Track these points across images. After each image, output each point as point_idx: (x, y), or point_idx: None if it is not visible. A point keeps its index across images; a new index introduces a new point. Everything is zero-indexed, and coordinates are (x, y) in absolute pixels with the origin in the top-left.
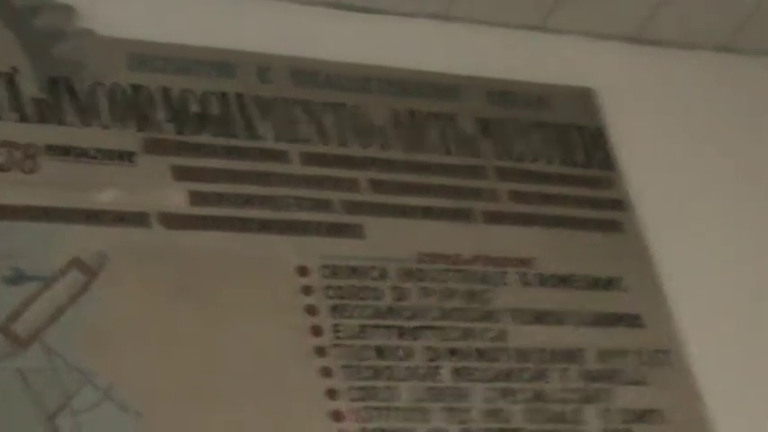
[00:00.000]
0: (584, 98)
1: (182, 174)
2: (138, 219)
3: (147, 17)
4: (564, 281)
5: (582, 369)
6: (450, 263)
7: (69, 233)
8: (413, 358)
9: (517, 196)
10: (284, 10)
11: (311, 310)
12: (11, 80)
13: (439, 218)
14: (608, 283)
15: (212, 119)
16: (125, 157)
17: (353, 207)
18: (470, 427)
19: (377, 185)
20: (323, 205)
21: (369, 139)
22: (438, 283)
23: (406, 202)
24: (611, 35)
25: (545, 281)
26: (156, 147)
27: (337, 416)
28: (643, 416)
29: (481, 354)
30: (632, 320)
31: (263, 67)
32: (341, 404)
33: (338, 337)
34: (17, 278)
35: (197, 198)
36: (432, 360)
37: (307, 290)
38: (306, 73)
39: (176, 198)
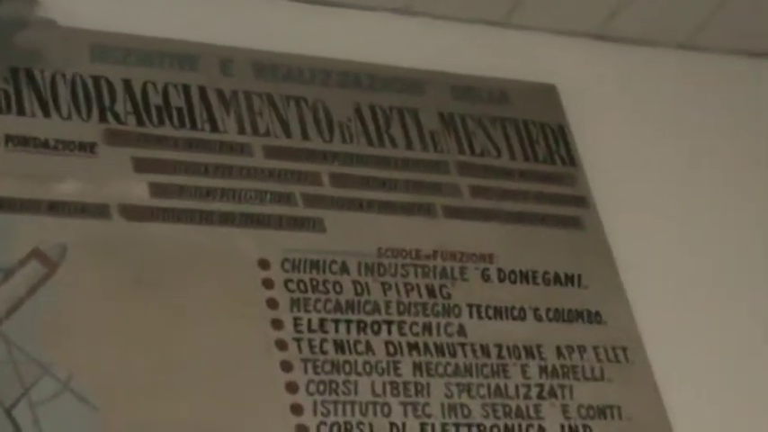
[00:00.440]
0: (546, 94)
1: (143, 165)
2: (98, 210)
3: (109, 8)
4: (524, 276)
5: (541, 365)
6: (411, 257)
7: (29, 224)
8: (372, 353)
9: (479, 191)
10: (247, 3)
11: (272, 304)
12: None
13: (400, 212)
14: (568, 280)
15: (174, 111)
16: (86, 148)
17: (315, 201)
18: (430, 421)
19: (338, 179)
20: (284, 198)
21: (330, 133)
22: (398, 277)
23: (367, 196)
24: (573, 32)
25: (505, 276)
26: (117, 138)
27: (297, 409)
28: (602, 412)
29: (441, 349)
30: (592, 317)
31: (226, 59)
32: (300, 398)
33: (298, 331)
34: None
35: (158, 190)
36: (391, 354)
37: (268, 283)
38: (268, 66)
39: (137, 190)
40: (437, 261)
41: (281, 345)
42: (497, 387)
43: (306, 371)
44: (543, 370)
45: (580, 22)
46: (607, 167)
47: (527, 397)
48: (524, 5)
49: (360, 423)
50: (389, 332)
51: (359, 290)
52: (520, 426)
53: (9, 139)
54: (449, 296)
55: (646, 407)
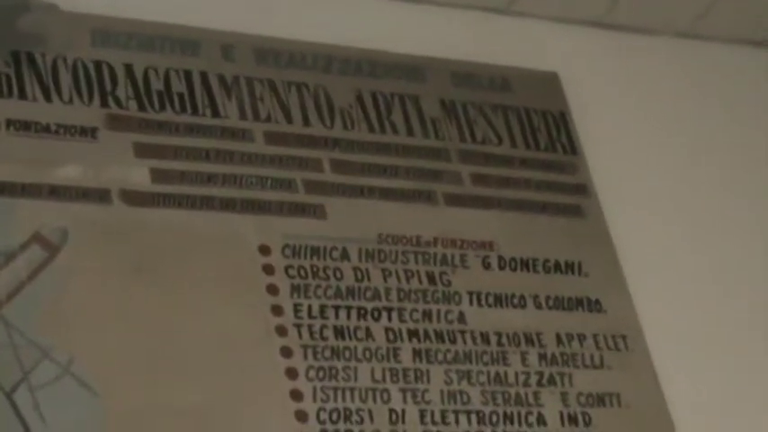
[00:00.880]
0: (548, 82)
1: (144, 151)
2: (99, 195)
3: None
4: (525, 264)
5: (541, 352)
6: (412, 244)
7: (30, 208)
8: (372, 339)
9: (479, 179)
10: None
11: (272, 290)
12: None
13: (401, 199)
14: (568, 268)
15: (175, 96)
16: (87, 132)
17: (316, 187)
18: (429, 408)
19: (339, 166)
20: (285, 185)
21: (332, 120)
22: (398, 264)
23: (368, 182)
24: (575, 20)
25: (506, 264)
26: (118, 123)
27: (296, 395)
28: (601, 399)
29: (441, 336)
30: (592, 305)
31: (228, 45)
32: (300, 384)
33: (298, 317)
34: None
35: (159, 175)
36: (391, 341)
37: (268, 269)
38: (269, 52)
39: (138, 175)
40: (437, 248)
41: (282, 331)
42: (497, 374)
43: (306, 357)
44: (543, 357)
45: (582, 9)
46: (608, 156)
47: (526, 384)
48: None
49: (359, 409)
50: (389, 319)
51: (359, 276)
52: (519, 413)
53: (10, 123)
54: (449, 283)
55: (645, 394)
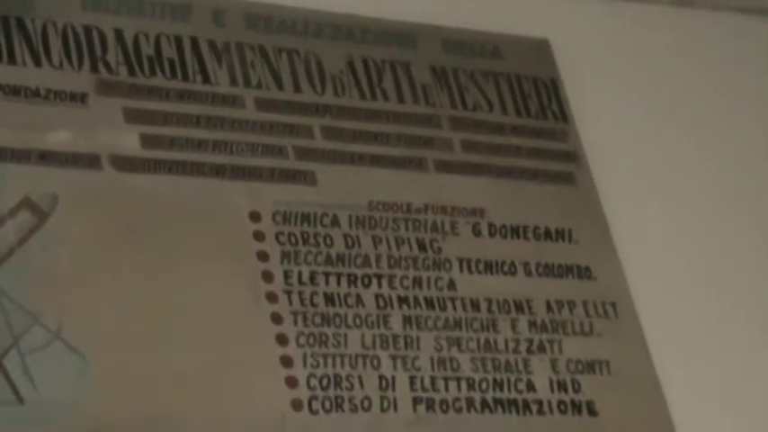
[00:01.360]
0: (539, 49)
1: (134, 116)
2: (89, 161)
3: None
4: (515, 231)
5: (531, 319)
6: (402, 211)
7: (19, 174)
8: (362, 306)
9: (470, 146)
10: None
11: (262, 256)
12: None
13: (391, 166)
14: (559, 235)
15: (166, 62)
16: (77, 98)
17: (306, 153)
18: (419, 374)
19: (330, 132)
20: (276, 151)
21: (323, 86)
22: (389, 231)
23: (358, 149)
24: None
25: (496, 231)
26: (108, 89)
27: (287, 361)
28: (591, 366)
29: (431, 302)
30: (582, 272)
31: (218, 10)
32: (290, 350)
33: (289, 284)
34: None
35: (149, 141)
36: (381, 308)
37: (258, 235)
38: (260, 18)
39: (128, 141)
40: (428, 215)
41: (272, 297)
42: (487, 341)
43: (296, 323)
44: (533, 324)
45: None
46: (599, 123)
47: (516, 351)
48: None
49: (349, 375)
50: (380, 285)
51: (349, 243)
52: (509, 380)
53: (0, 88)
54: (439, 250)
55: (634, 362)
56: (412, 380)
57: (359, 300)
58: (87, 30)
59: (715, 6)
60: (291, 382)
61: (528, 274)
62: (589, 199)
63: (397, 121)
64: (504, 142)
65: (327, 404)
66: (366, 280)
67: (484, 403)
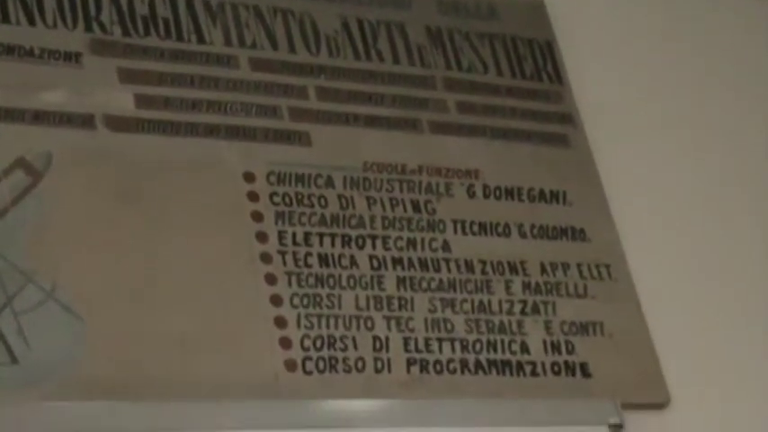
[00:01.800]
0: (534, 10)
1: (128, 76)
2: (83, 120)
3: None
4: (509, 193)
5: (525, 281)
6: (397, 172)
7: (14, 133)
8: (357, 267)
9: (465, 107)
10: None
11: (257, 217)
12: None
13: (386, 127)
14: (553, 197)
15: (160, 21)
16: (71, 57)
17: (301, 114)
18: (413, 336)
19: (325, 93)
20: (270, 111)
21: (317, 47)
22: (383, 192)
23: (353, 110)
24: None
25: (490, 192)
26: (102, 48)
27: (281, 322)
28: (584, 328)
29: (425, 264)
30: (576, 234)
31: None
32: (284, 311)
33: (283, 245)
34: None
35: (143, 101)
36: (375, 269)
37: (253, 196)
38: None
39: (122, 100)
40: (422, 176)
41: (266, 258)
42: (481, 303)
43: (290, 284)
44: (527, 286)
45: None
46: (594, 86)
47: (510, 313)
48: None
49: (343, 336)
50: (374, 246)
51: (344, 204)
52: (503, 341)
53: None
54: (434, 211)
55: (628, 324)
56: (406, 341)
57: (353, 261)
58: None
59: None
60: (285, 343)
61: (522, 235)
62: (584, 161)
63: (392, 82)
64: (499, 104)
65: (321, 365)
66: (360, 241)
67: (478, 364)
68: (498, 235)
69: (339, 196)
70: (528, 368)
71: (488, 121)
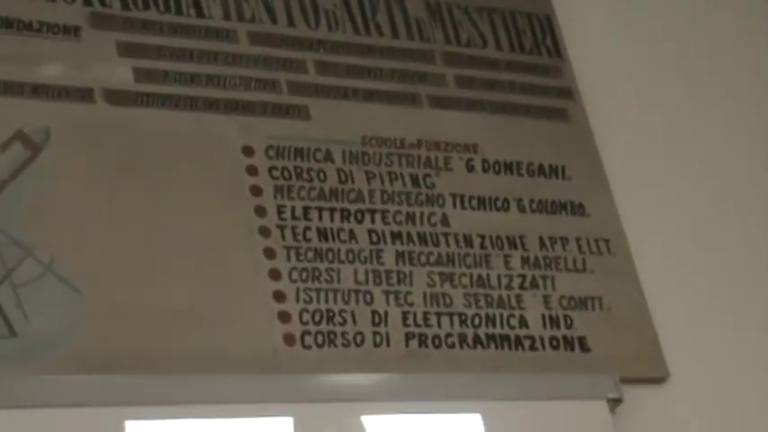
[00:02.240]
0: None
1: (127, 50)
2: (82, 94)
3: None
4: (508, 167)
5: (524, 255)
6: (396, 147)
7: (12, 107)
8: (355, 241)
9: (464, 81)
10: None
11: (255, 191)
12: None
13: (385, 101)
14: (552, 171)
15: None
16: (70, 31)
17: (300, 88)
18: (411, 310)
19: (324, 67)
20: (269, 85)
21: (316, 21)
22: (382, 166)
23: (352, 84)
24: None
25: (489, 167)
26: (101, 22)
27: (279, 296)
28: (583, 302)
29: (424, 238)
30: (575, 208)
31: None
32: (283, 285)
33: (282, 219)
34: None
35: (142, 75)
36: (374, 243)
37: (251, 170)
38: None
39: (121, 74)
40: (421, 150)
41: (265, 232)
42: (480, 277)
43: (289, 258)
44: (526, 261)
45: None
46: (593, 60)
47: (509, 287)
48: None
49: (342, 311)
50: (373, 221)
51: (343, 178)
52: (501, 315)
53: None
54: (433, 186)
55: (626, 298)
56: (405, 315)
57: (352, 235)
58: None
59: None
60: (284, 317)
61: (521, 210)
62: (583, 135)
63: (391, 56)
64: (498, 78)
65: (320, 339)
66: (359, 215)
67: (476, 339)
68: (497, 209)
69: (338, 170)
70: (527, 343)
71: (487, 95)
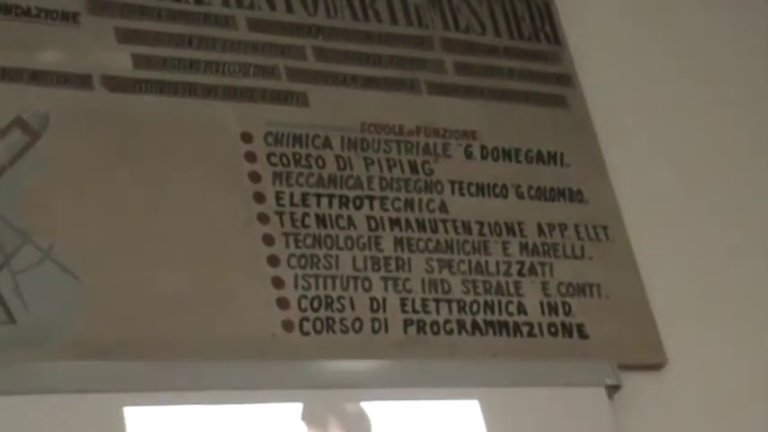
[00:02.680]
0: None
1: (126, 36)
2: (81, 80)
3: None
4: (507, 154)
5: (522, 242)
6: (394, 133)
7: (11, 93)
8: (354, 227)
9: (463, 68)
10: None
11: (254, 177)
12: None
13: (384, 88)
14: (551, 158)
15: None
16: (69, 17)
17: (298, 74)
18: (410, 296)
19: (322, 53)
20: (268, 72)
21: (315, 7)
22: (381, 153)
23: (351, 71)
24: None
25: (488, 153)
26: (100, 8)
27: (278, 283)
28: (581, 289)
29: (422, 224)
30: (574, 195)
31: None
32: (281, 271)
33: (280, 205)
34: None
35: (141, 61)
36: (373, 230)
37: (250, 156)
38: None
39: (120, 60)
40: (420, 137)
41: (263, 218)
42: (478, 264)
43: (287, 245)
44: (524, 247)
45: None
46: (592, 46)
47: (507, 274)
48: None
49: (340, 297)
50: (371, 207)
51: (341, 164)
52: (499, 302)
53: None
54: (431, 172)
55: (625, 285)
56: (403, 302)
57: (350, 221)
58: None
59: None
60: (283, 303)
61: (520, 196)
62: (581, 122)
63: (390, 43)
64: (496, 64)
65: (318, 325)
66: (358, 202)
67: (474, 325)
68: (496, 196)
69: (337, 157)
70: (525, 329)
71: (486, 81)
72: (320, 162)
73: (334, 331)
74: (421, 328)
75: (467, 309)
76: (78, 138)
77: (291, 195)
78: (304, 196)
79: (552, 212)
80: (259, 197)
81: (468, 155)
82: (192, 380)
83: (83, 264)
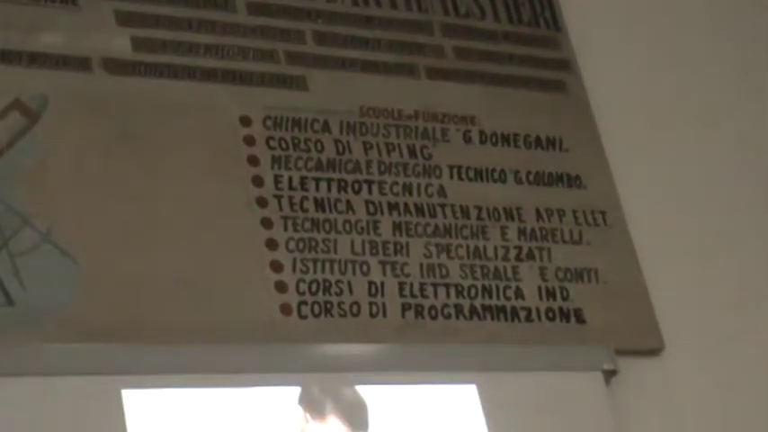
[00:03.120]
0: None
1: (125, 19)
2: (80, 63)
3: None
4: (506, 139)
5: (520, 227)
6: (393, 118)
7: (10, 75)
8: (353, 212)
9: (462, 53)
10: None
11: (253, 161)
12: None
13: (383, 72)
14: (549, 143)
15: None
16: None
17: (298, 58)
18: (408, 281)
19: (322, 37)
20: (267, 55)
21: None
22: (380, 137)
23: (350, 55)
24: None
25: (487, 138)
26: None
27: (276, 266)
28: (579, 274)
29: (421, 209)
30: (572, 180)
31: None
32: (280, 255)
33: (279, 189)
34: None
35: (140, 44)
36: (371, 214)
37: (249, 140)
38: None
39: (120, 43)
40: (419, 122)
41: (262, 202)
42: (476, 248)
43: (286, 228)
44: (522, 232)
45: None
46: (592, 32)
47: (505, 259)
48: None
49: (338, 281)
50: (370, 191)
51: (340, 149)
52: (497, 287)
53: None
54: (430, 157)
55: (622, 270)
56: (401, 286)
57: (349, 205)
58: None
59: None
60: (281, 287)
61: (518, 181)
62: (580, 107)
63: (389, 27)
64: (496, 49)
65: (316, 309)
66: (356, 186)
67: (472, 310)
68: (494, 181)
69: (335, 141)
70: (523, 314)
71: (485, 66)
72: (319, 146)
73: (332, 315)
74: (419, 312)
75: (465, 293)
76: (78, 120)
77: (290, 179)
78: (303, 180)
79: (551, 198)
80: (258, 181)
81: (467, 140)
82: (190, 363)
83: (81, 246)
